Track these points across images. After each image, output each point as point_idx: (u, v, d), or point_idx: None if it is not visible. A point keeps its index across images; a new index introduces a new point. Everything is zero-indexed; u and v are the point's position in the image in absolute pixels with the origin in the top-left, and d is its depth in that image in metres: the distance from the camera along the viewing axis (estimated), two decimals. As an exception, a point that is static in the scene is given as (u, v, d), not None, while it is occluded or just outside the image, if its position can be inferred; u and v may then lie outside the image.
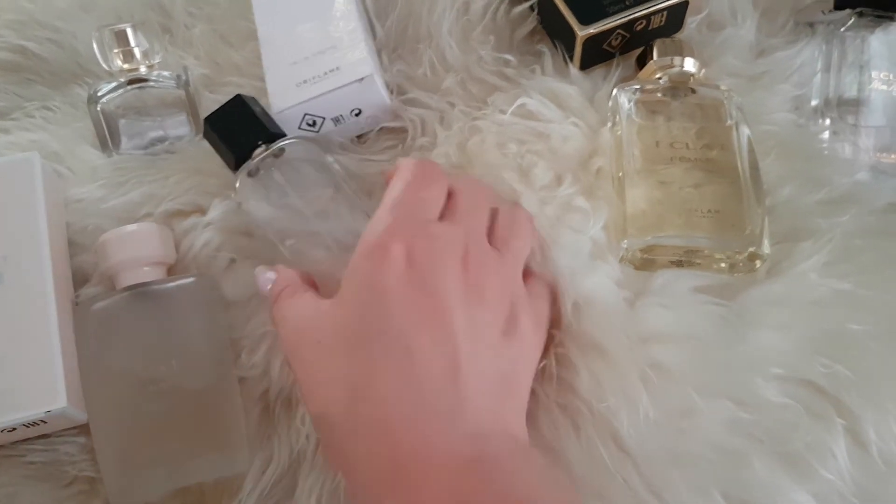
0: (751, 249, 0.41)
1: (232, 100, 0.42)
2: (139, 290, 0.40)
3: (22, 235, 0.41)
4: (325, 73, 0.44)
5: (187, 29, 0.53)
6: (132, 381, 0.39)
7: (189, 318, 0.40)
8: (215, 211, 0.44)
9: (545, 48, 0.49)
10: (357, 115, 0.46)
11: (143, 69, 0.46)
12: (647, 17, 0.46)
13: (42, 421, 0.38)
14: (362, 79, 0.43)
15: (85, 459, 0.41)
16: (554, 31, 0.49)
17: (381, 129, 0.48)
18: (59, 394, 0.38)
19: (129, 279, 0.40)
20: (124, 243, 0.41)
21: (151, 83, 0.46)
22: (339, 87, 0.43)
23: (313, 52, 0.45)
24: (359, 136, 0.48)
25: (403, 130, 0.48)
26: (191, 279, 0.41)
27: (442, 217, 0.37)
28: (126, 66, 0.46)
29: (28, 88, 0.52)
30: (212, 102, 0.49)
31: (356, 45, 0.44)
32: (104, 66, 0.46)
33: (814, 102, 0.48)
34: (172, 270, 0.43)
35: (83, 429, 0.41)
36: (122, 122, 0.48)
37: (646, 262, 0.42)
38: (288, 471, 0.39)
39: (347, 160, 0.46)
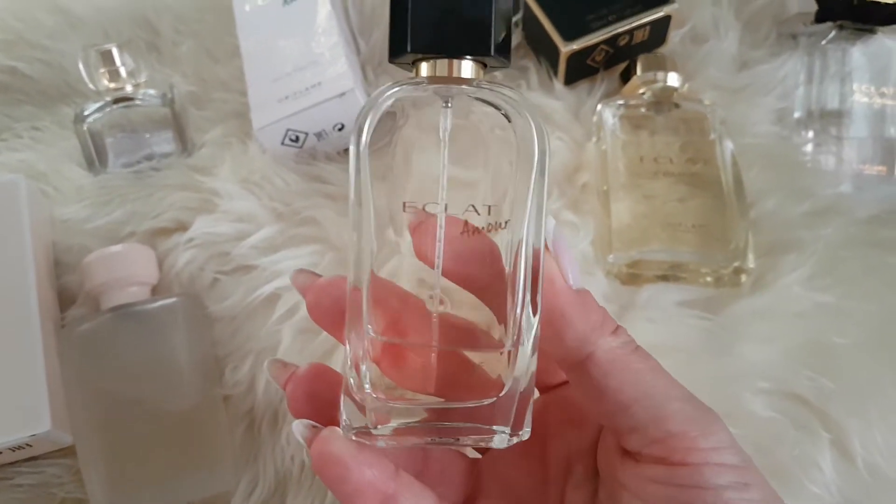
0: (735, 264, 0.41)
1: None
2: (123, 311, 0.40)
3: (7, 259, 0.41)
4: (307, 89, 0.44)
5: (174, 46, 0.53)
6: (117, 403, 0.39)
7: (173, 338, 0.40)
8: (198, 227, 0.44)
9: (530, 63, 0.49)
10: (340, 129, 0.46)
11: (129, 88, 0.46)
12: (631, 32, 0.46)
13: (27, 444, 0.38)
14: (343, 94, 0.44)
15: (72, 481, 0.41)
16: (538, 46, 0.49)
17: (367, 141, 0.48)
18: (43, 417, 0.38)
19: (113, 300, 0.40)
20: (108, 264, 0.41)
21: (137, 102, 0.46)
22: (321, 103, 0.44)
23: (295, 67, 0.45)
24: (345, 149, 0.49)
25: (390, 142, 0.48)
26: (174, 299, 0.41)
27: None
28: (112, 85, 0.46)
29: (17, 108, 0.52)
30: (199, 119, 0.49)
31: (337, 60, 0.45)
32: (90, 85, 0.46)
33: (797, 114, 0.48)
34: (157, 289, 0.43)
35: (70, 450, 0.41)
36: (109, 140, 0.48)
37: (632, 276, 0.42)
38: (275, 492, 0.39)
39: (335, 169, 0.46)
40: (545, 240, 0.22)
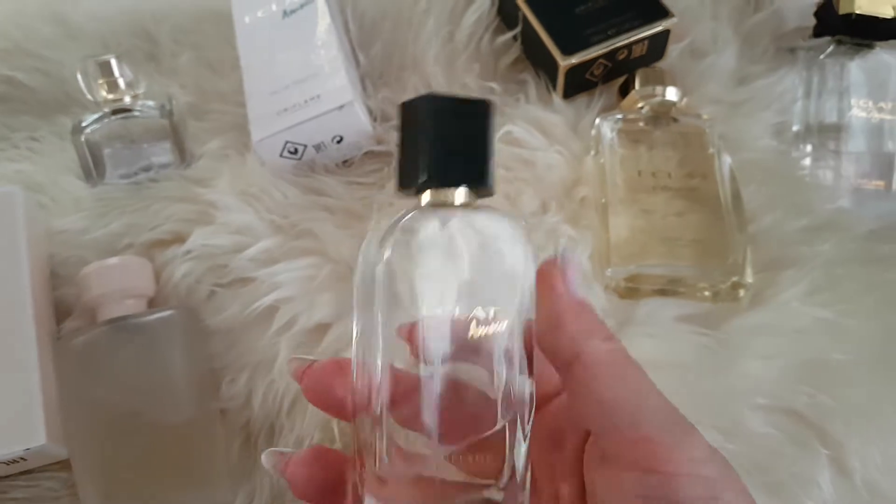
0: (734, 279, 0.41)
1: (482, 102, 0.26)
2: (120, 324, 0.40)
3: (3, 271, 0.41)
4: (306, 101, 0.44)
5: (173, 57, 0.53)
6: (113, 416, 0.39)
7: (169, 351, 0.40)
8: (195, 239, 0.44)
9: (529, 77, 0.49)
10: (339, 141, 0.46)
11: (127, 99, 0.46)
12: (629, 46, 0.46)
13: (22, 458, 0.38)
14: (342, 106, 0.44)
15: (68, 495, 0.41)
16: (537, 60, 0.49)
17: (367, 152, 0.48)
18: (38, 431, 0.37)
19: (109, 312, 0.40)
20: (104, 277, 0.40)
21: (136, 113, 0.46)
22: (320, 115, 0.44)
23: (294, 80, 0.45)
24: (344, 161, 0.48)
25: (388, 154, 0.48)
26: (171, 312, 0.41)
27: None
28: (111, 96, 0.46)
29: (15, 119, 0.52)
30: (198, 130, 0.49)
31: (337, 73, 0.45)
32: (88, 96, 0.46)
33: (795, 128, 0.48)
34: (154, 302, 0.43)
35: (66, 464, 0.40)
36: (106, 151, 0.48)
37: (630, 290, 0.42)
38: (271, 505, 0.39)
39: (334, 182, 0.46)
40: (557, 257, 0.25)
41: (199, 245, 0.44)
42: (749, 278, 0.41)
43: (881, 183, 0.47)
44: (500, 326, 0.25)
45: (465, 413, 0.25)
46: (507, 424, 0.25)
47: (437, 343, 0.24)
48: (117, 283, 0.41)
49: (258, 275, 0.43)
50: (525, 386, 0.25)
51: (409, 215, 0.24)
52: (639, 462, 0.22)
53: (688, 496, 0.21)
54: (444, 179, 0.25)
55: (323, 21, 0.47)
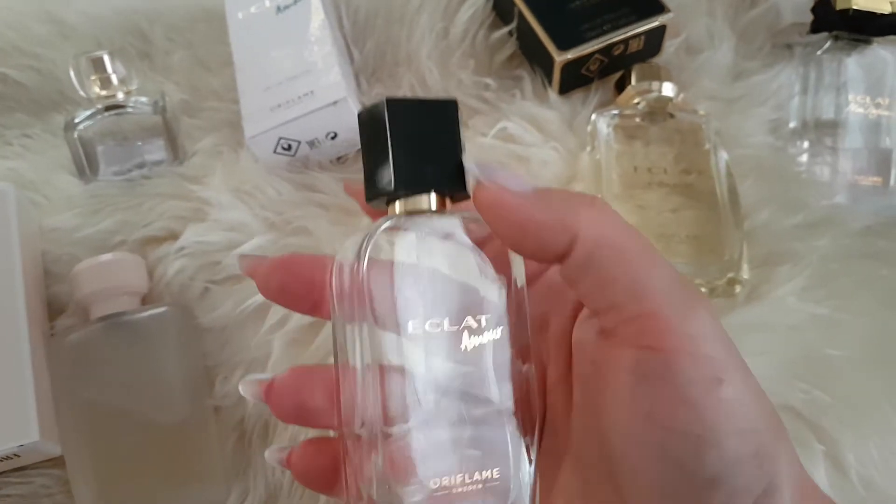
0: (729, 275, 0.41)
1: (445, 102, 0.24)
2: (113, 321, 0.40)
3: (-6, 267, 0.40)
4: (299, 98, 0.44)
5: (167, 55, 0.53)
6: (106, 413, 0.39)
7: (163, 348, 0.40)
8: (189, 236, 0.44)
9: (524, 73, 0.49)
10: (333, 138, 0.46)
11: (120, 95, 0.46)
12: (625, 41, 0.46)
13: (15, 455, 0.38)
14: (336, 102, 0.43)
15: (61, 492, 0.40)
16: (533, 55, 0.49)
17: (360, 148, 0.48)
18: (31, 428, 0.37)
19: (102, 309, 0.40)
20: (98, 274, 0.40)
21: (129, 109, 0.46)
22: (313, 111, 0.43)
23: (287, 76, 0.45)
24: (338, 157, 0.48)
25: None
26: (164, 309, 0.40)
27: None
28: (103, 92, 0.46)
29: (8, 116, 0.52)
30: (191, 127, 0.49)
31: (330, 69, 0.44)
32: (81, 92, 0.46)
33: (792, 125, 0.48)
34: (147, 299, 0.43)
35: (59, 461, 0.40)
36: (99, 148, 0.47)
37: (625, 287, 0.42)
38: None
39: (328, 178, 0.46)
40: (476, 178, 0.22)
41: (192, 242, 0.44)
42: (745, 274, 0.41)
43: (878, 179, 0.47)
44: (495, 334, 0.23)
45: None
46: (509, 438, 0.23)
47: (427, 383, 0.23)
48: (110, 280, 0.41)
49: (252, 272, 0.43)
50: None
51: (381, 228, 0.23)
52: (637, 339, 0.20)
53: (688, 376, 0.19)
54: (413, 186, 0.23)
55: (316, 17, 0.47)
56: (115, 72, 0.46)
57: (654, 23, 0.46)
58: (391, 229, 0.23)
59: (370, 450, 0.22)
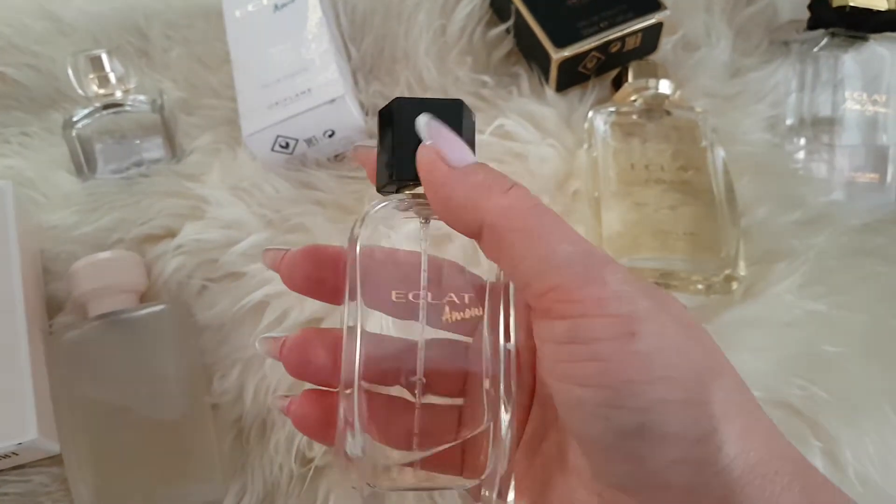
0: (727, 272, 0.41)
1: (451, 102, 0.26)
2: (111, 319, 0.40)
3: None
4: (297, 95, 0.44)
5: (164, 52, 0.53)
6: (105, 411, 0.39)
7: (160, 346, 0.40)
8: (186, 234, 0.44)
9: (521, 70, 0.49)
10: (330, 136, 0.46)
11: (118, 94, 0.46)
12: (622, 39, 0.46)
13: (13, 453, 0.38)
14: (333, 100, 0.43)
15: (60, 490, 0.40)
16: (530, 53, 0.49)
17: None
18: (29, 426, 0.37)
19: (100, 307, 0.40)
20: (95, 271, 0.40)
21: (127, 108, 0.46)
22: (311, 109, 0.43)
23: (285, 74, 0.45)
24: (335, 155, 0.48)
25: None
26: (161, 307, 0.41)
27: None
28: (101, 91, 0.46)
29: (6, 114, 0.52)
30: (188, 125, 0.49)
31: (327, 67, 0.44)
32: (79, 91, 0.46)
33: (789, 122, 0.48)
34: (145, 296, 0.43)
35: (57, 459, 0.40)
36: (98, 146, 0.47)
37: (622, 284, 0.42)
38: (263, 501, 0.39)
39: (325, 176, 0.46)
40: (422, 135, 0.24)
41: (190, 240, 0.44)
42: (742, 271, 0.41)
43: (875, 176, 0.47)
44: (476, 311, 0.24)
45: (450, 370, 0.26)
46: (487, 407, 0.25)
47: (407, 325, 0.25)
48: (108, 278, 0.41)
49: (249, 269, 0.43)
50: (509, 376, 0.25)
51: (376, 208, 0.25)
52: (548, 312, 0.21)
53: (595, 336, 0.20)
54: (413, 177, 0.24)
55: (314, 15, 0.47)
56: (113, 70, 0.46)
57: (650, 20, 0.46)
58: (394, 209, 0.25)
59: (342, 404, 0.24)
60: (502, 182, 0.23)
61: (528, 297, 0.22)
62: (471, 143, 0.25)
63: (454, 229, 0.23)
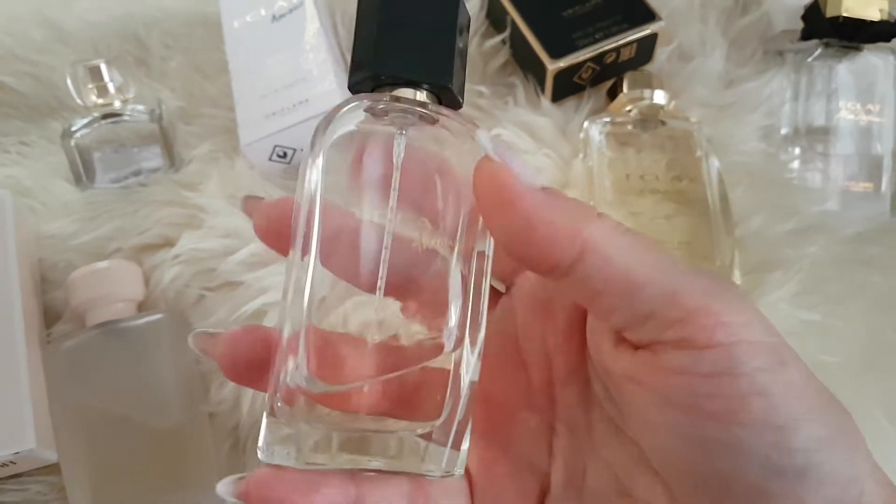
0: (720, 281, 0.41)
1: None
2: (108, 328, 0.40)
3: (-9, 274, 0.41)
4: (295, 105, 0.44)
5: (163, 61, 0.53)
6: (102, 420, 0.39)
7: (158, 355, 0.40)
8: (184, 243, 0.44)
9: (517, 80, 0.49)
10: (329, 146, 0.46)
11: (117, 104, 0.46)
12: (617, 49, 0.46)
13: (11, 462, 0.38)
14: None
15: (57, 498, 0.40)
16: (525, 63, 0.49)
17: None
18: (27, 435, 0.37)
19: (98, 316, 0.40)
20: (94, 281, 0.41)
21: (125, 117, 0.46)
22: (309, 119, 0.44)
23: (283, 84, 0.45)
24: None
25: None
26: (159, 316, 0.41)
27: None
28: (100, 100, 0.46)
29: (6, 123, 0.52)
30: (187, 134, 0.49)
31: (325, 77, 0.45)
32: (78, 101, 0.46)
33: (783, 131, 0.49)
34: (143, 305, 0.43)
35: (55, 468, 0.40)
36: (96, 155, 0.48)
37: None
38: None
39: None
40: (488, 152, 0.20)
41: (187, 249, 0.44)
42: (737, 280, 0.41)
43: (869, 185, 0.47)
44: (449, 240, 0.22)
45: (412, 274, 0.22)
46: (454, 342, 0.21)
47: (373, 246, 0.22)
48: (106, 287, 0.41)
49: (246, 279, 0.43)
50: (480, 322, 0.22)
51: (355, 105, 0.21)
52: (687, 341, 0.18)
53: (753, 367, 0.18)
54: (397, 74, 0.21)
55: (312, 25, 0.47)
56: (111, 80, 0.46)
57: (645, 31, 0.46)
58: (360, 112, 0.22)
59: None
60: (591, 208, 0.20)
61: (649, 331, 0.19)
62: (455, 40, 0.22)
63: (519, 258, 0.20)
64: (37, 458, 0.39)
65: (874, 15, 0.47)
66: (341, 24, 0.52)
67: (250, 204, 0.24)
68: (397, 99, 0.21)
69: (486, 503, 0.24)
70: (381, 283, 0.22)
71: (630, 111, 0.45)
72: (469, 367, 0.22)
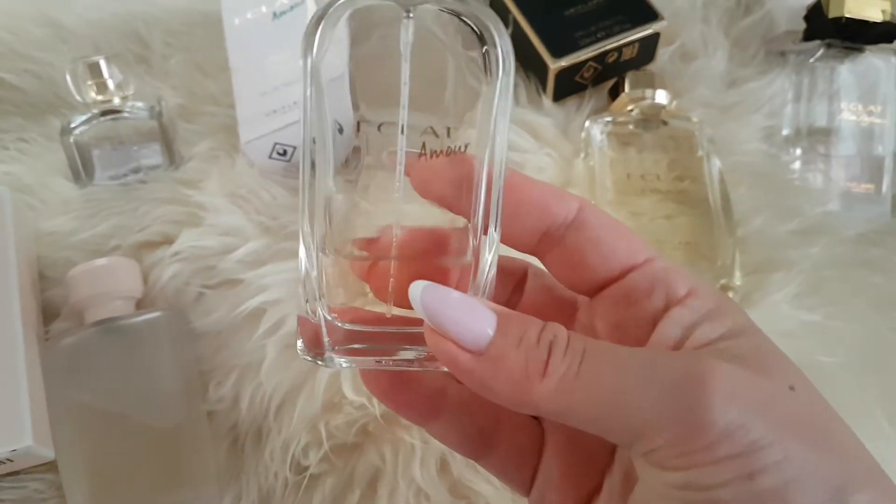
0: (722, 281, 0.41)
1: None
2: (107, 325, 0.40)
3: (-10, 272, 0.41)
4: (295, 103, 0.44)
5: (164, 59, 0.53)
6: (100, 417, 0.39)
7: (157, 353, 0.40)
8: (184, 240, 0.44)
9: (519, 79, 0.49)
10: (329, 144, 0.46)
11: (116, 100, 0.46)
12: (619, 49, 0.46)
13: (8, 459, 0.38)
14: None
15: (55, 496, 0.40)
16: (527, 63, 0.49)
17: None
18: (24, 432, 0.37)
19: (97, 314, 0.40)
20: (92, 278, 0.40)
21: (125, 114, 0.46)
22: None
23: (283, 82, 0.45)
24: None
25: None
26: (158, 313, 0.41)
27: None
28: (100, 97, 0.46)
29: (5, 120, 0.52)
30: (187, 132, 0.49)
31: (327, 76, 0.45)
32: (78, 97, 0.46)
33: (785, 132, 0.48)
34: (142, 303, 0.43)
35: (53, 465, 0.40)
36: (95, 152, 0.48)
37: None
38: (258, 509, 0.39)
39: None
40: (419, 312, 0.20)
41: (187, 247, 0.44)
42: (738, 281, 0.41)
43: (871, 186, 0.47)
44: (461, 145, 0.21)
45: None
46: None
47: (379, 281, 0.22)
48: (105, 284, 0.41)
49: (246, 277, 0.43)
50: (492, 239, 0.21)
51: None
52: (659, 464, 0.19)
53: (716, 483, 0.18)
54: None
55: (313, 23, 0.47)
56: (111, 77, 0.46)
57: (647, 30, 0.46)
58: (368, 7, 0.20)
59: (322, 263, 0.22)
60: (536, 359, 0.19)
61: (630, 453, 0.20)
62: None
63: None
64: (34, 456, 0.39)
65: (876, 16, 0.46)
66: (342, 21, 0.51)
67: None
68: None
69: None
70: (399, 184, 0.21)
71: (632, 111, 0.45)
72: (488, 264, 0.21)
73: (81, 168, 0.47)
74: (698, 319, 0.21)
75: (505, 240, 0.22)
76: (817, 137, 0.48)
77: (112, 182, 0.48)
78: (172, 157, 0.48)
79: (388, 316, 0.22)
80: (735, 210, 0.43)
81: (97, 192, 0.47)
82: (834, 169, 0.47)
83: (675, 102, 0.46)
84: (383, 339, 0.22)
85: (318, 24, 0.20)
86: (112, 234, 0.45)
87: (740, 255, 0.42)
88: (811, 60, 0.48)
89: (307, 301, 0.21)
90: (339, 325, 0.22)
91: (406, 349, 0.22)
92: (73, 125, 0.46)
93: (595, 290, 0.23)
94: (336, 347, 0.21)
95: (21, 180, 0.48)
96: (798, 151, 0.48)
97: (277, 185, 0.46)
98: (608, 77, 0.48)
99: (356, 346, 0.22)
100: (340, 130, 0.43)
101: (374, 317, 0.22)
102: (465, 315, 0.20)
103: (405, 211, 0.22)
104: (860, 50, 0.48)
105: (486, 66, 0.21)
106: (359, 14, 0.21)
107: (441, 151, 0.21)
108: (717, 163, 0.44)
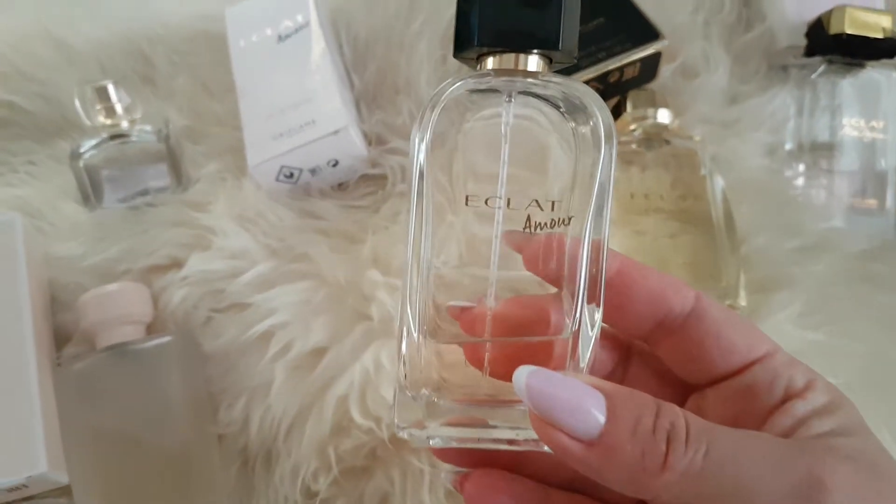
0: (727, 302, 0.41)
1: None
2: (118, 350, 0.40)
3: (2, 297, 0.41)
4: (301, 126, 0.45)
5: (170, 79, 0.53)
6: (112, 442, 0.39)
7: (167, 376, 0.41)
8: (192, 264, 0.44)
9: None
10: (334, 165, 0.46)
11: (124, 124, 0.47)
12: (621, 69, 0.46)
13: (23, 485, 0.39)
14: (337, 131, 0.44)
15: (69, 520, 0.41)
16: (530, 82, 0.49)
17: (362, 175, 0.49)
18: (39, 458, 0.38)
19: (108, 339, 0.41)
20: (103, 303, 0.41)
21: (133, 138, 0.47)
22: (315, 140, 0.44)
23: (289, 104, 0.46)
24: (339, 184, 0.49)
25: (383, 177, 0.49)
26: (168, 338, 0.41)
27: None
28: (108, 121, 0.47)
29: (16, 143, 0.52)
30: (194, 154, 0.50)
31: (331, 98, 0.45)
32: (86, 121, 0.47)
33: (787, 147, 0.49)
34: (152, 326, 0.44)
35: (66, 489, 0.41)
36: (104, 173, 0.48)
37: (623, 312, 0.42)
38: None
39: (329, 205, 0.47)
40: (524, 401, 0.20)
41: (196, 270, 0.44)
42: (743, 301, 0.41)
43: (874, 201, 0.47)
44: (562, 226, 0.22)
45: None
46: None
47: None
48: (115, 309, 0.41)
49: (254, 300, 0.43)
50: (593, 314, 0.22)
51: (463, 81, 0.21)
52: None
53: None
54: (508, 40, 0.21)
55: (317, 46, 0.47)
56: (119, 101, 0.47)
57: (649, 50, 0.46)
58: (475, 87, 0.21)
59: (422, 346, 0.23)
60: (654, 452, 0.19)
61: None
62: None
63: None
64: (48, 481, 0.39)
65: (878, 32, 0.47)
66: (346, 44, 0.52)
67: (516, 237, 0.24)
68: (501, 72, 0.21)
69: None
70: (494, 258, 0.22)
71: (634, 130, 0.46)
72: (591, 338, 0.22)
73: (91, 191, 0.47)
74: (813, 412, 0.22)
75: (617, 325, 0.23)
76: (820, 152, 0.48)
77: (121, 205, 0.48)
78: (180, 178, 0.49)
79: (482, 397, 0.23)
80: (738, 227, 0.43)
81: (106, 215, 0.47)
82: (837, 184, 0.47)
83: (677, 121, 0.47)
84: (479, 418, 0.22)
85: (431, 110, 0.22)
86: (122, 259, 0.45)
87: (744, 272, 0.42)
88: (813, 76, 0.49)
89: (406, 377, 0.22)
90: (436, 400, 0.22)
91: (504, 428, 0.22)
92: (82, 150, 0.46)
93: (711, 382, 0.24)
94: (432, 424, 0.22)
95: (31, 204, 0.48)
96: (801, 167, 0.48)
97: (284, 207, 0.46)
98: (610, 96, 0.48)
99: (452, 426, 0.22)
100: (335, 164, 0.43)
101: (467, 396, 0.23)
102: (573, 401, 0.19)
103: (499, 277, 0.23)
104: (861, 65, 0.48)
105: (586, 137, 0.22)
106: (461, 99, 0.22)
107: (545, 223, 0.22)
108: (719, 181, 0.44)
